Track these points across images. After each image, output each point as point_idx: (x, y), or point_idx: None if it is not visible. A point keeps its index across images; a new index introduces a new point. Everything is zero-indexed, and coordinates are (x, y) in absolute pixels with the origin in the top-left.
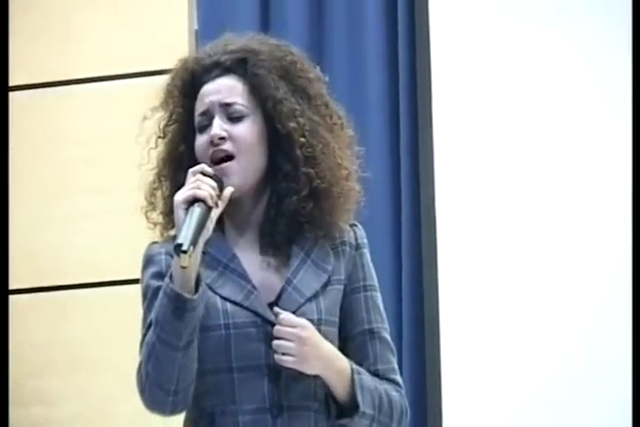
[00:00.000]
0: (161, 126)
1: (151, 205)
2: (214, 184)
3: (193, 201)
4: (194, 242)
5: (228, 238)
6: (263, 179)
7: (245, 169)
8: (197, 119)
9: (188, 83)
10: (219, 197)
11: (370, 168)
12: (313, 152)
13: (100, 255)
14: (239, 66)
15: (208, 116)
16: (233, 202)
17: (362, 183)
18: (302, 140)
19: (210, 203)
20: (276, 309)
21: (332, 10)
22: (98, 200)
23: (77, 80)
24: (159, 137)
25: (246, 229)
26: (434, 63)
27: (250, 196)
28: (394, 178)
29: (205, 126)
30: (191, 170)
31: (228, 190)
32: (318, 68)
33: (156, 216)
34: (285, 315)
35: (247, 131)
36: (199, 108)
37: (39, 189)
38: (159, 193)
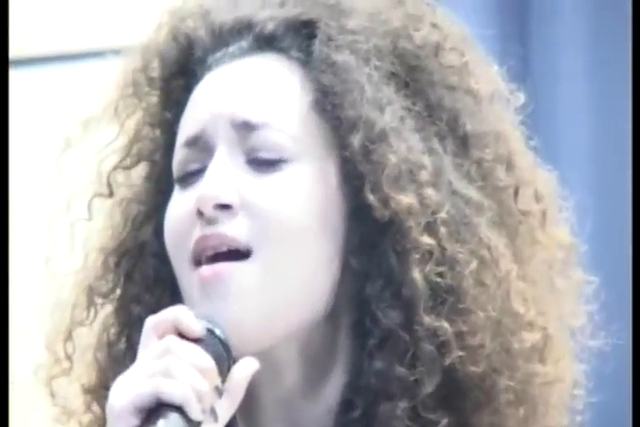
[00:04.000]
0: (105, 172)
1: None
2: (208, 363)
3: (154, 409)
4: None
5: None
6: (330, 327)
7: (279, 289)
8: (179, 155)
9: (174, 69)
10: (219, 391)
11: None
12: (457, 275)
13: None
14: (295, 37)
15: (201, 147)
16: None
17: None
18: (427, 242)
19: (194, 413)
20: None
21: None
22: None
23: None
24: (98, 194)
25: None
26: None
27: (291, 363)
28: None
29: (192, 174)
30: (151, 321)
31: (245, 369)
32: (496, 68)
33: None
34: None
35: (292, 196)
36: (187, 127)
37: None
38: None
